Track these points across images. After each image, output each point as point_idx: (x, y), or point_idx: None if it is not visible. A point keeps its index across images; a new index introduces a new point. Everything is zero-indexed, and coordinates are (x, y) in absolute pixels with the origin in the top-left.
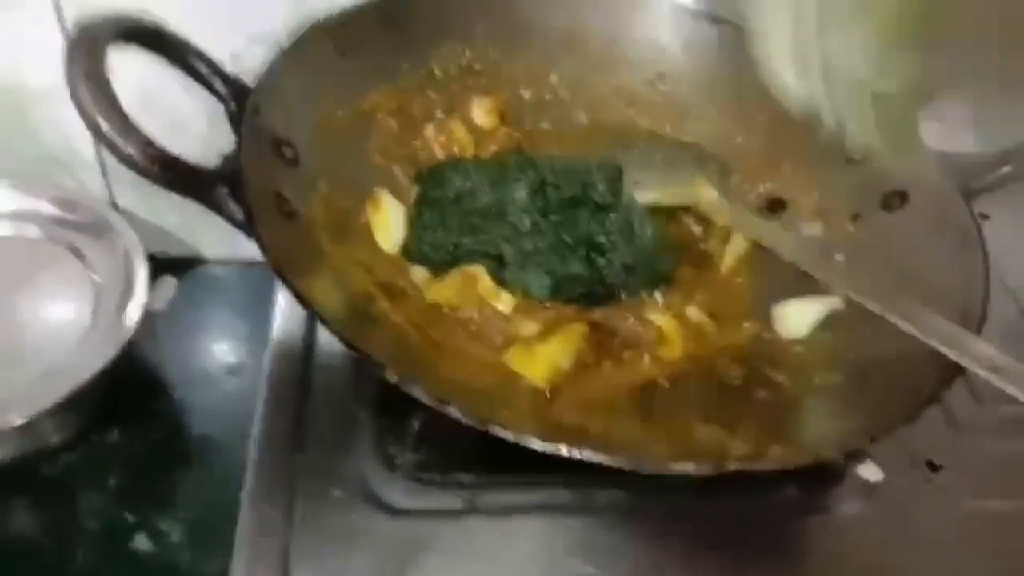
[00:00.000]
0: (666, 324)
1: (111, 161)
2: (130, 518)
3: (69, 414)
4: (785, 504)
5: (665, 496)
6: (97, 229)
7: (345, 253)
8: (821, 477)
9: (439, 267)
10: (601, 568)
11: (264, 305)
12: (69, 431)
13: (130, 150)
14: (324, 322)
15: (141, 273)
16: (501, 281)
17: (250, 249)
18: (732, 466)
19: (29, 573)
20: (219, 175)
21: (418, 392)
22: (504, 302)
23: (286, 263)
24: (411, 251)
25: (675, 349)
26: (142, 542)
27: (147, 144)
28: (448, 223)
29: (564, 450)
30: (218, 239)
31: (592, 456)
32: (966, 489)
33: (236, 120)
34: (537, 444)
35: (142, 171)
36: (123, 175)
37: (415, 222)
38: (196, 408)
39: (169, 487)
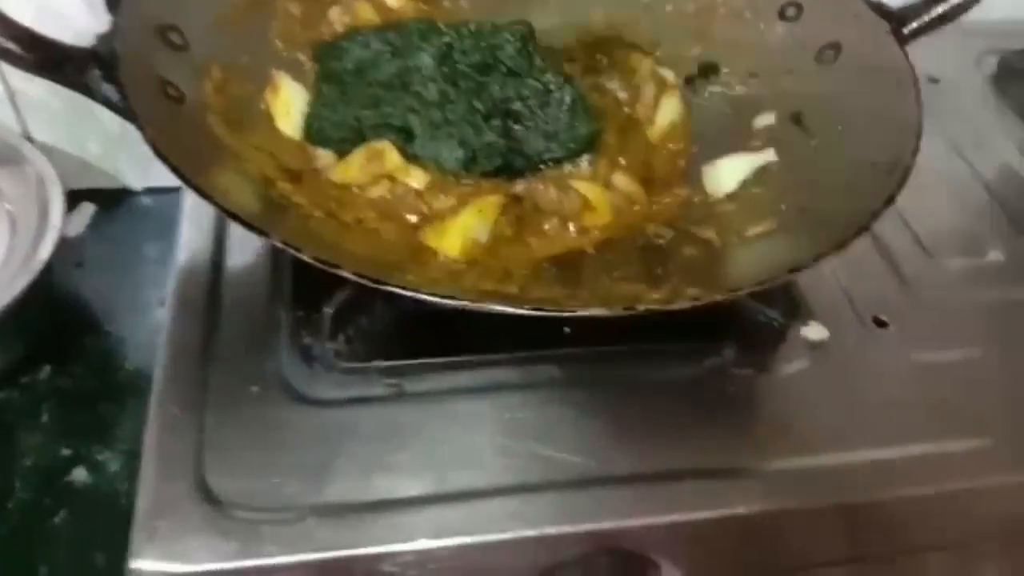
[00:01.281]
0: (591, 192)
1: (21, 92)
2: (66, 452)
3: None
4: (726, 367)
5: (602, 368)
6: (7, 159)
7: (243, 140)
8: (761, 339)
9: (343, 146)
10: (542, 442)
11: None
12: None
13: None
14: (204, 195)
15: (56, 200)
16: (411, 156)
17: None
18: (642, 307)
19: None
20: (91, 56)
21: (306, 256)
22: (415, 178)
23: (168, 145)
24: (311, 131)
25: (602, 216)
26: (80, 474)
27: (6, 24)
28: (349, 97)
29: (463, 302)
30: (142, 169)
31: (493, 307)
32: (912, 342)
33: (113, 3)
34: (432, 297)
35: (2, 53)
36: (35, 106)
37: (313, 100)
38: (128, 341)
39: (104, 420)
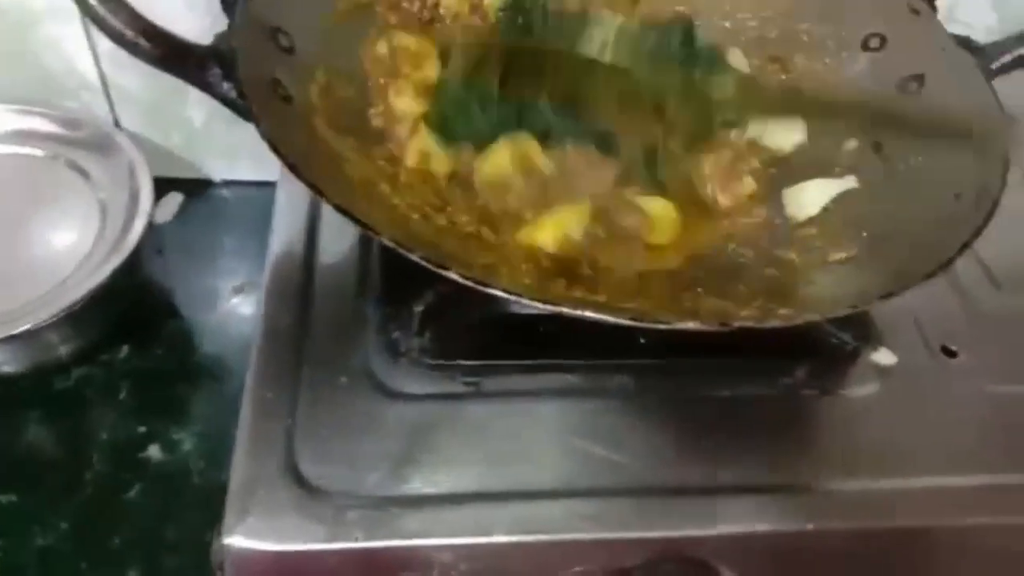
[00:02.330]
0: (656, 209)
1: (114, 82)
2: (142, 429)
3: (77, 327)
4: (795, 387)
5: (674, 381)
6: (100, 147)
7: (345, 142)
8: (832, 361)
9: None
10: (609, 448)
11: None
12: (78, 344)
13: (118, 24)
14: (320, 193)
15: (146, 188)
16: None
17: (256, 170)
18: (737, 323)
19: (45, 482)
20: (212, 53)
21: (417, 256)
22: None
23: (282, 141)
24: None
25: (663, 234)
26: (154, 451)
27: (135, 18)
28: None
29: (563, 308)
30: (222, 162)
31: (590, 314)
32: (982, 374)
33: (228, 5)
34: (535, 302)
35: (130, 46)
36: (126, 96)
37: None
38: (204, 326)
39: (179, 401)
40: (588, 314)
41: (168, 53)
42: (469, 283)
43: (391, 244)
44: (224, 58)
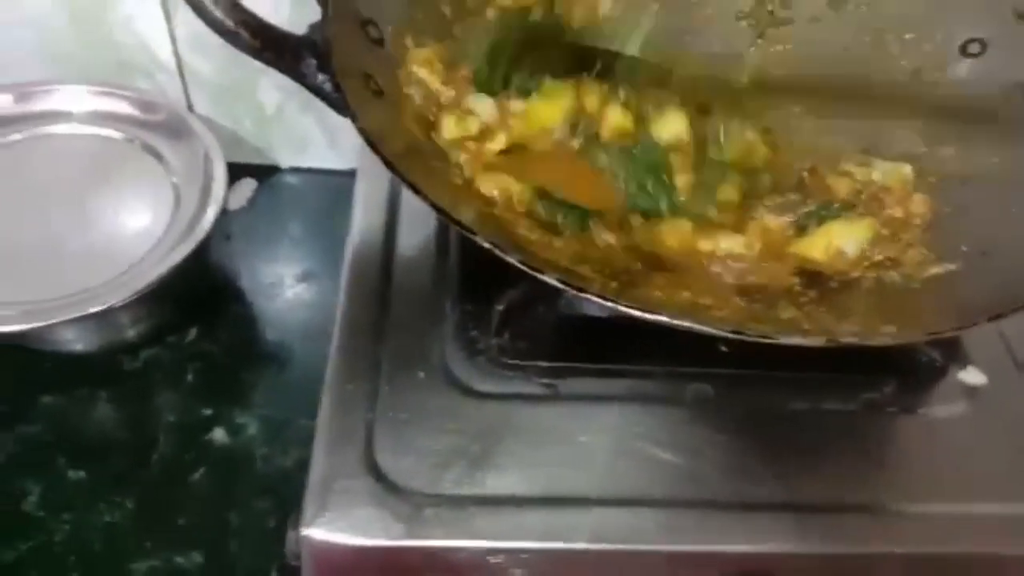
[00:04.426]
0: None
1: (189, 65)
2: (207, 412)
3: (147, 308)
4: (879, 404)
5: (754, 392)
6: (176, 131)
7: (437, 137)
8: (919, 379)
9: None
10: (684, 458)
11: (338, 214)
12: (147, 326)
13: (217, 13)
14: (416, 191)
15: (219, 173)
16: None
17: (323, 158)
18: (844, 340)
19: (113, 460)
20: (307, 44)
21: (514, 258)
22: None
23: (377, 136)
24: None
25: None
26: (219, 435)
27: (235, 8)
28: None
29: (661, 317)
30: (292, 148)
31: (691, 324)
32: None
33: None
34: (633, 311)
35: (229, 35)
36: (200, 80)
37: None
38: (269, 312)
39: (245, 385)
40: (688, 324)
41: (266, 45)
42: (569, 289)
43: (488, 245)
44: (319, 49)
